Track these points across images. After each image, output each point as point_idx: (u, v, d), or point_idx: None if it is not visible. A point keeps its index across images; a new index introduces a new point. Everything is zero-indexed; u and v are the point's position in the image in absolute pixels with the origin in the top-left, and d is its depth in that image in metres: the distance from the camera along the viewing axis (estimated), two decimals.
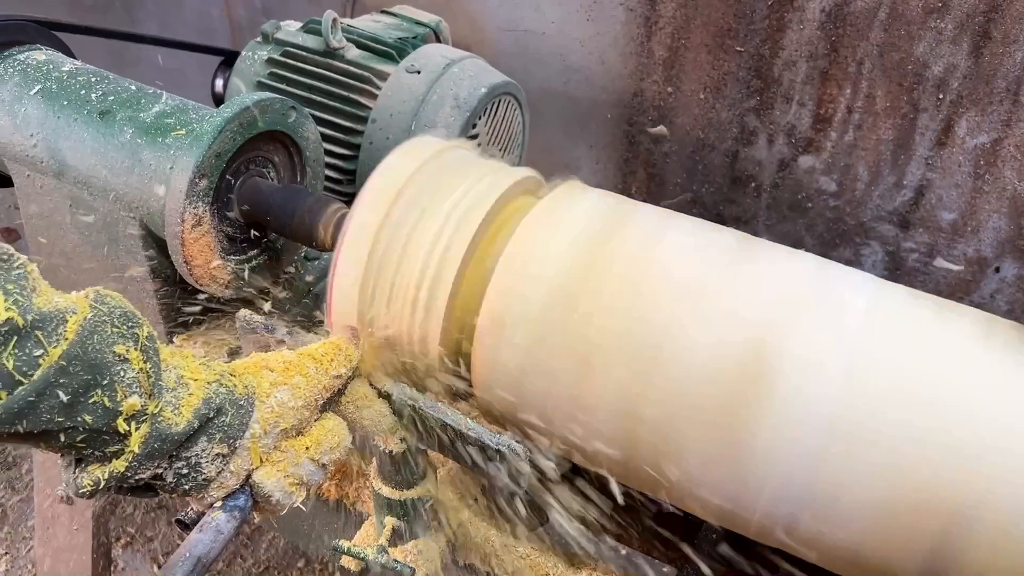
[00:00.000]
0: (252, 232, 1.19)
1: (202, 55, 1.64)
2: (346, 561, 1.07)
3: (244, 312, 1.02)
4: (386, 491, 1.05)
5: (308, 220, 1.09)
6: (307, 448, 0.84)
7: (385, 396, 0.94)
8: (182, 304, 1.22)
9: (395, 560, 1.03)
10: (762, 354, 0.83)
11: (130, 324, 0.72)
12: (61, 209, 1.19)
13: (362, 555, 1.04)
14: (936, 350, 0.83)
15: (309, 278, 1.35)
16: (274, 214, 1.11)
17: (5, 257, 0.65)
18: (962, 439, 0.78)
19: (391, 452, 1.00)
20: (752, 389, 0.82)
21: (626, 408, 0.88)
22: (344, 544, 1.05)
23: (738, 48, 1.74)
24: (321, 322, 1.28)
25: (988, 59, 1.51)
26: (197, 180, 1.05)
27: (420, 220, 0.95)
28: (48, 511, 1.50)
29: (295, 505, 0.84)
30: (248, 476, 0.80)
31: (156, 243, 1.15)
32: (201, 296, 1.19)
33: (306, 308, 1.31)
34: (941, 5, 1.50)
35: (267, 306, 1.18)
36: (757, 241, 0.97)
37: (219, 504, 0.79)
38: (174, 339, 1.23)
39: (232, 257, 1.16)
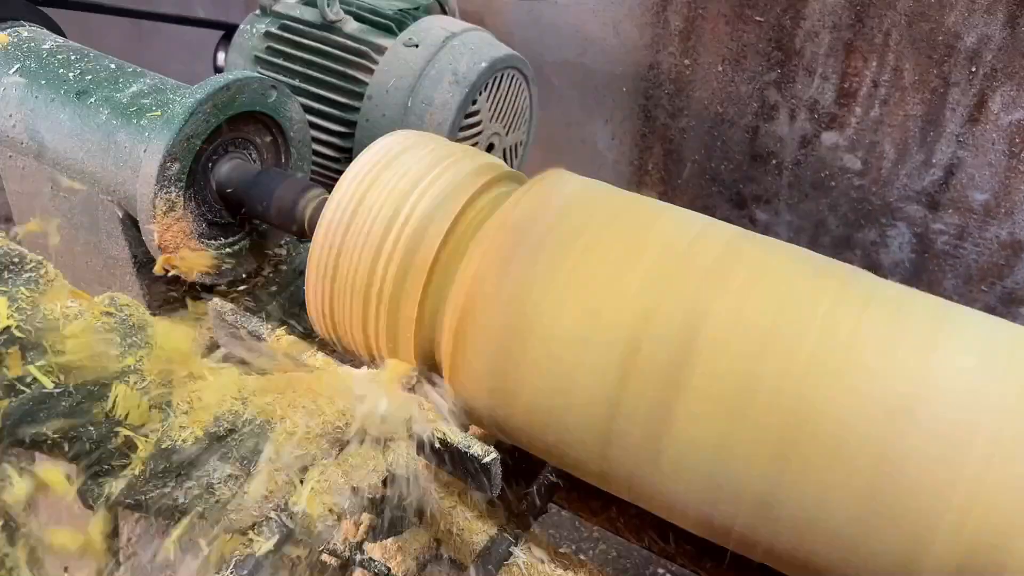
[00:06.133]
0: (235, 215, 1.15)
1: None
2: (323, 556, 1.04)
3: (217, 301, 0.99)
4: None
5: (285, 206, 1.05)
6: (341, 475, 0.80)
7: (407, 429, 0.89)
8: (167, 289, 1.19)
9: (371, 558, 1.00)
10: None
11: (142, 334, 0.70)
12: (43, 191, 1.17)
13: (339, 552, 1.01)
14: None
15: (300, 261, 1.31)
16: (250, 199, 1.07)
17: (16, 260, 0.64)
18: None
19: None
20: None
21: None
22: None
23: (758, 18, 1.65)
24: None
25: None
26: (168, 164, 1.01)
27: (384, 207, 0.90)
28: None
29: (331, 535, 0.81)
30: (275, 503, 0.76)
31: (136, 226, 1.12)
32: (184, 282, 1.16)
33: (294, 294, 1.27)
34: None
35: (249, 293, 1.14)
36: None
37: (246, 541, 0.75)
38: None
39: (212, 242, 1.13)
